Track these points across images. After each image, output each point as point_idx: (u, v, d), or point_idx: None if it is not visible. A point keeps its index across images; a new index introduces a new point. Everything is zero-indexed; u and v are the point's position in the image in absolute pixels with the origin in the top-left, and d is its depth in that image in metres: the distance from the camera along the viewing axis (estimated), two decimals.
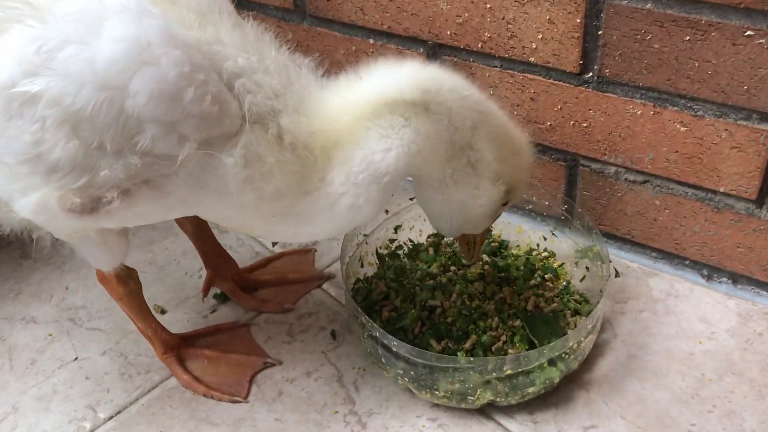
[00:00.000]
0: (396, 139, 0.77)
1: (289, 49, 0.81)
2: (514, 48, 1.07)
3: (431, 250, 1.15)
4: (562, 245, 1.14)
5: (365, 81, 0.79)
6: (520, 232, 1.18)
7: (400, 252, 1.16)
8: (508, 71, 1.10)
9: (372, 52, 1.23)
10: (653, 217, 1.10)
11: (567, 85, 1.05)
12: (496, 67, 1.10)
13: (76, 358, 1.05)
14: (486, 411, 0.94)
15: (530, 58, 1.06)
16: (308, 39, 1.29)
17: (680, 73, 0.95)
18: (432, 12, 1.11)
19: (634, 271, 1.15)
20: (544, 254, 1.15)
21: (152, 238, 1.28)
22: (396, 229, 1.17)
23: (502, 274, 1.09)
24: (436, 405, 0.95)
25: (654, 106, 1.00)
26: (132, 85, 0.68)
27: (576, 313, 1.03)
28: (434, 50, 1.16)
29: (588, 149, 1.09)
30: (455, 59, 1.14)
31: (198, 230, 1.07)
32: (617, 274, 1.13)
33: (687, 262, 1.11)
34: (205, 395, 0.98)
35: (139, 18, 0.69)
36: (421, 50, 1.17)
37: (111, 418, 0.97)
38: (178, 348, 1.01)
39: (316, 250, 1.22)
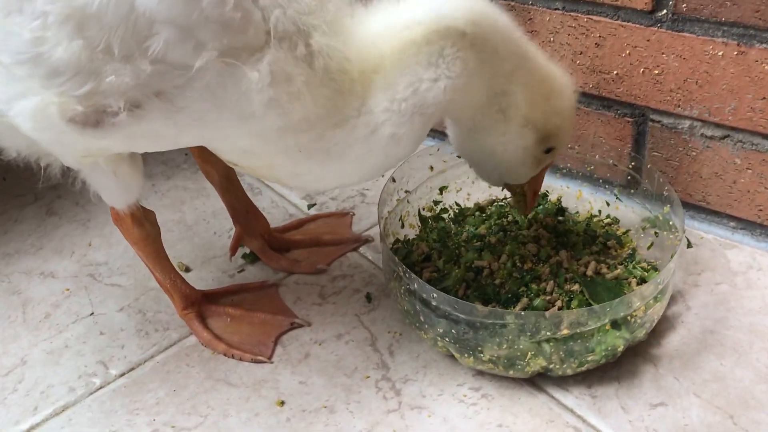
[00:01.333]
0: (445, 70, 0.70)
1: None
2: None
3: (479, 214, 1.05)
4: (627, 212, 1.02)
5: (415, 4, 0.72)
6: (580, 198, 1.07)
7: (445, 216, 1.06)
8: (571, 13, 0.99)
9: None
10: (732, 180, 0.97)
11: (637, 25, 0.94)
12: (558, 9, 1.00)
13: (92, 314, 0.98)
14: (537, 382, 0.83)
15: None
16: None
17: None
18: None
19: (708, 242, 1.02)
20: (607, 221, 1.03)
21: (182, 198, 1.20)
22: (441, 190, 1.07)
23: (560, 238, 0.97)
24: (480, 373, 0.84)
25: (738, 44, 0.87)
26: None
27: (643, 281, 0.91)
28: None
29: (659, 101, 0.98)
30: (512, 3, 1.04)
31: (225, 180, 0.98)
32: (689, 245, 1.00)
33: None
34: (225, 354, 0.89)
35: None
36: None
37: (123, 375, 0.89)
38: (199, 304, 0.93)
39: (353, 214, 1.13)
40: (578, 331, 0.77)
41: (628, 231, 1.00)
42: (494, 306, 0.87)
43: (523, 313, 0.78)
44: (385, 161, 0.76)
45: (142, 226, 0.85)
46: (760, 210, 0.97)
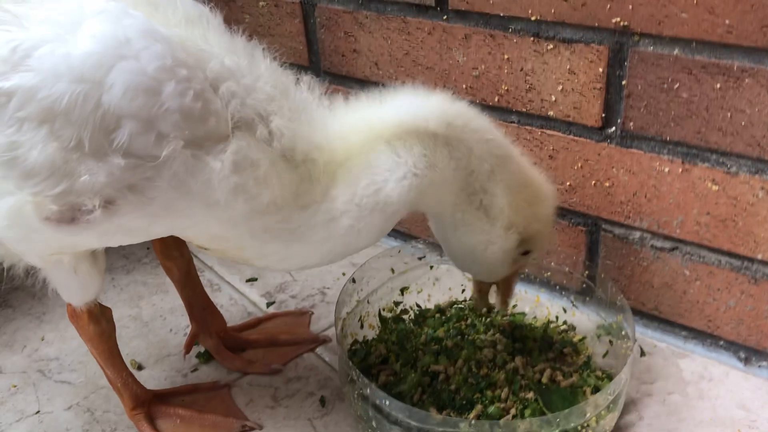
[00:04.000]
0: (410, 169, 0.73)
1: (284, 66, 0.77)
2: (533, 101, 1.01)
3: (439, 316, 1.06)
4: (583, 318, 1.04)
5: (387, 102, 0.75)
6: (538, 303, 1.08)
7: (405, 317, 1.06)
8: (526, 127, 1.04)
9: None
10: (683, 290, 1.00)
11: (588, 140, 0.99)
12: (513, 122, 1.05)
13: (38, 412, 0.95)
14: None
15: (549, 112, 1.00)
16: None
17: (711, 125, 0.88)
18: (447, 64, 1.07)
19: (661, 351, 1.03)
20: (563, 327, 1.04)
21: (141, 293, 1.19)
22: (402, 291, 1.08)
23: (516, 344, 0.98)
24: None
25: (683, 162, 0.92)
26: (108, 78, 0.64)
27: (597, 390, 0.91)
28: None
29: (610, 212, 1.01)
30: None
31: (185, 277, 0.98)
32: (642, 353, 1.02)
33: (722, 342, 1.00)
34: None
35: (118, 17, 0.66)
36: None
37: None
38: (149, 404, 0.91)
39: (312, 313, 1.13)
40: None
41: (584, 338, 1.01)
42: (449, 412, 0.86)
43: (474, 422, 0.78)
44: (345, 249, 0.77)
45: (99, 323, 0.84)
46: (710, 320, 0.99)
